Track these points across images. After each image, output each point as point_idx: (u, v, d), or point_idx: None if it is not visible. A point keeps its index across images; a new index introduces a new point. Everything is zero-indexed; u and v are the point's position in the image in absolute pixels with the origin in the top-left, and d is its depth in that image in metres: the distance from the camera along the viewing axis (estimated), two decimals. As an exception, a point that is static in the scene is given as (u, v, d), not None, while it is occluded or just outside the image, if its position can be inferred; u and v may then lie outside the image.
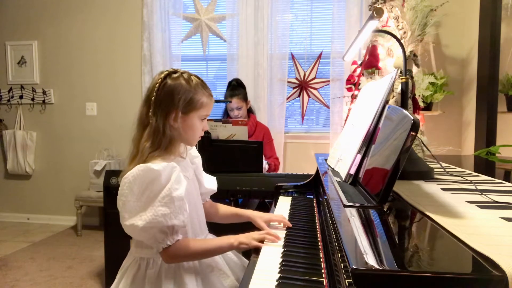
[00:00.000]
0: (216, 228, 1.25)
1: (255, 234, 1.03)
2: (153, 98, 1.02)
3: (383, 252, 0.57)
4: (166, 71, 1.06)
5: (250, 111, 2.75)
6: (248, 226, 1.20)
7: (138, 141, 1.03)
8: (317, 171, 1.55)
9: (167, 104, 1.02)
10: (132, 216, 0.94)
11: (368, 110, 1.13)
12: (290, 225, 1.14)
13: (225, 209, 1.30)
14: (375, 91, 1.19)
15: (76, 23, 3.60)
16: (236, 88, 2.62)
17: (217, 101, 2.83)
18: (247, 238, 1.01)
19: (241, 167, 2.03)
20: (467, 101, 3.00)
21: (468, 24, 2.91)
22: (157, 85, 1.03)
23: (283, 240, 1.04)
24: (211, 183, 1.25)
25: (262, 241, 1.02)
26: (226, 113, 2.77)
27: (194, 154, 1.20)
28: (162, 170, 0.95)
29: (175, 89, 1.02)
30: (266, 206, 2.22)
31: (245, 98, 2.63)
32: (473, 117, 2.78)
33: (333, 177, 1.15)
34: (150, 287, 1.01)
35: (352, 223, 0.72)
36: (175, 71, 1.06)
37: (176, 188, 0.95)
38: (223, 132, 2.25)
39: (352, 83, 2.79)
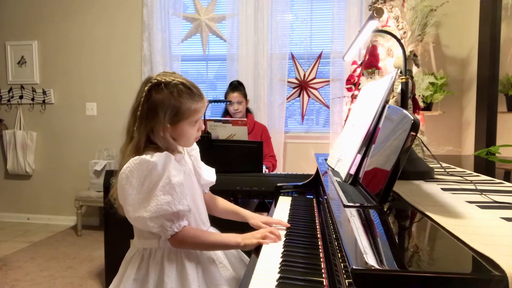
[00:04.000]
0: (218, 223, 1.26)
1: (258, 233, 1.05)
2: (138, 113, 1.01)
3: (383, 252, 0.57)
4: (150, 82, 1.02)
5: (248, 111, 2.87)
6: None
7: (124, 153, 1.05)
8: (317, 171, 1.55)
9: (151, 120, 1.01)
10: (136, 209, 0.96)
11: (368, 110, 1.13)
12: (289, 225, 1.14)
13: (224, 204, 1.31)
14: (375, 91, 1.19)
15: (76, 23, 3.60)
16: (237, 85, 2.83)
17: (217, 101, 2.87)
18: (251, 239, 1.03)
19: (241, 167, 2.03)
20: (467, 101, 3.00)
21: (468, 24, 2.91)
22: (142, 99, 1.01)
23: (283, 240, 1.04)
24: (210, 174, 1.25)
25: (264, 239, 1.03)
26: (225, 114, 2.82)
27: (191, 147, 1.20)
28: (158, 160, 0.97)
29: (159, 105, 1.00)
30: (266, 206, 2.22)
31: (245, 96, 2.81)
32: (473, 117, 2.78)
33: (333, 177, 1.15)
34: (154, 276, 1.03)
35: (352, 223, 0.72)
36: (158, 83, 1.01)
37: (174, 174, 0.98)
38: (223, 132, 2.25)
39: (352, 83, 2.79)
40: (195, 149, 1.22)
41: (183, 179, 1.00)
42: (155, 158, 0.96)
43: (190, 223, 1.09)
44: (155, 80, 1.02)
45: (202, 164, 1.24)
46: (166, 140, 1.03)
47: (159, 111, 1.00)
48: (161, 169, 0.96)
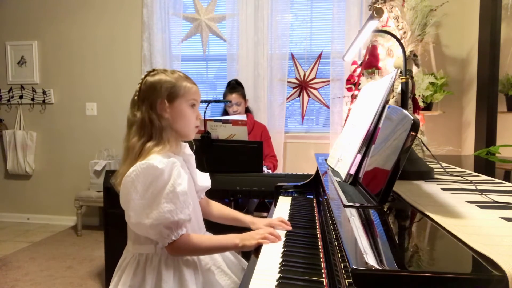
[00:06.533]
0: (215, 227, 1.25)
1: (257, 234, 1.04)
2: (136, 97, 1.07)
3: (383, 252, 0.57)
4: (146, 72, 1.11)
5: (247, 111, 2.85)
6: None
7: (127, 141, 1.05)
8: (317, 171, 1.55)
9: (150, 96, 1.05)
10: (138, 214, 0.95)
11: (368, 110, 1.13)
12: (290, 227, 1.14)
13: (224, 210, 1.30)
14: (375, 91, 1.19)
15: (76, 23, 3.60)
16: (235, 86, 2.79)
17: (217, 101, 2.86)
18: (250, 240, 1.02)
19: (241, 167, 2.03)
20: (467, 101, 3.00)
21: (468, 24, 2.91)
22: (139, 85, 1.07)
23: (283, 240, 1.04)
24: (204, 180, 1.24)
25: (263, 239, 1.02)
26: (224, 114, 2.80)
27: (188, 153, 1.19)
28: (165, 167, 0.96)
29: (156, 83, 1.06)
30: (266, 206, 2.22)
31: (243, 96, 2.78)
32: (473, 117, 2.78)
33: (333, 177, 1.15)
34: (150, 283, 1.01)
35: (352, 223, 0.72)
36: (153, 70, 1.10)
37: (179, 183, 0.97)
38: (223, 132, 2.25)
39: (352, 83, 2.79)
40: (191, 156, 1.21)
41: (186, 188, 0.98)
42: (163, 165, 0.96)
43: (187, 229, 1.08)
44: (150, 70, 1.11)
45: (197, 171, 1.23)
46: (167, 121, 1.04)
47: (156, 87, 1.05)
48: (167, 176, 0.96)
